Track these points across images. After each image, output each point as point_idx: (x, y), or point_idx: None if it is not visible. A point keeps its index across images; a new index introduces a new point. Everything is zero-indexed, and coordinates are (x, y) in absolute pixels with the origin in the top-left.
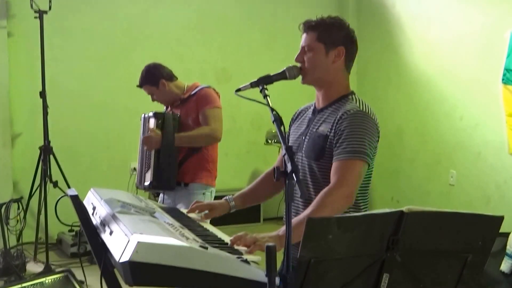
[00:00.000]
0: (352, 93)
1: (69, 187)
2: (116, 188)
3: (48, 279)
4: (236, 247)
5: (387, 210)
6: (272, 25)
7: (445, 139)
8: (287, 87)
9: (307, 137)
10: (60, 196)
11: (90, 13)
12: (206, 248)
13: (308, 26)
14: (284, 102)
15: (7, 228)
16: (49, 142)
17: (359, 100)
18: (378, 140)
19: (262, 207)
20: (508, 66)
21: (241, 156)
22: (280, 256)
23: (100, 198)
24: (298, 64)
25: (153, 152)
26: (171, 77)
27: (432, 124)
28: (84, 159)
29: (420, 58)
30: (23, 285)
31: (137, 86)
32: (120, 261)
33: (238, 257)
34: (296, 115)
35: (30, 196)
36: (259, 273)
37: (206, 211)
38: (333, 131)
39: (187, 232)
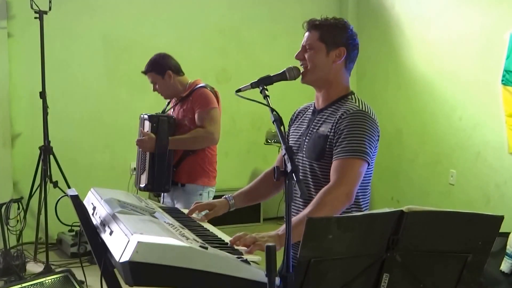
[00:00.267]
0: (352, 93)
1: (69, 187)
2: (116, 188)
3: (48, 279)
4: (236, 247)
5: (387, 209)
6: (271, 25)
7: (444, 139)
8: (287, 87)
9: (308, 137)
10: (60, 196)
11: (90, 13)
12: (206, 248)
13: (312, 25)
14: (284, 103)
15: (7, 228)
16: (49, 142)
17: (359, 100)
18: (378, 140)
19: (262, 207)
20: (508, 67)
21: (241, 156)
22: (280, 256)
23: (100, 198)
24: (299, 63)
25: (147, 155)
26: (178, 71)
27: (431, 125)
28: (84, 159)
29: (419, 59)
30: (23, 285)
31: (142, 72)
32: (120, 261)
33: (238, 257)
34: (295, 115)
35: (30, 196)
36: (259, 273)
37: (206, 211)
38: (333, 130)
39: (187, 232)
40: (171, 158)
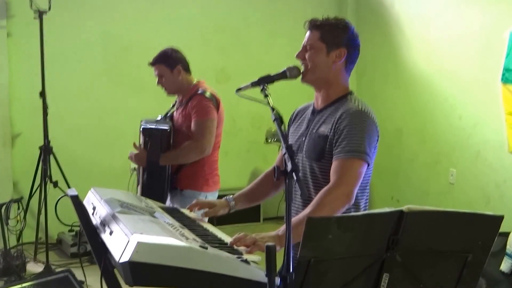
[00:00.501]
0: (351, 93)
1: (69, 187)
2: (116, 188)
3: (48, 279)
4: (236, 247)
5: (387, 209)
6: (271, 25)
7: (444, 138)
8: (287, 86)
9: (307, 138)
10: (60, 196)
11: (89, 13)
12: (206, 248)
13: (313, 25)
14: (284, 102)
15: (7, 228)
16: (49, 142)
17: (358, 100)
18: (377, 140)
19: (262, 207)
20: (507, 65)
21: (241, 156)
22: (280, 256)
23: (100, 198)
24: (300, 62)
25: (141, 169)
26: (187, 68)
27: (431, 124)
28: (84, 159)
29: (419, 58)
30: (23, 285)
31: (149, 63)
32: (120, 261)
33: (238, 257)
34: (294, 115)
35: (30, 196)
36: (259, 273)
37: (206, 209)
38: (332, 131)
39: (187, 232)
40: (163, 172)
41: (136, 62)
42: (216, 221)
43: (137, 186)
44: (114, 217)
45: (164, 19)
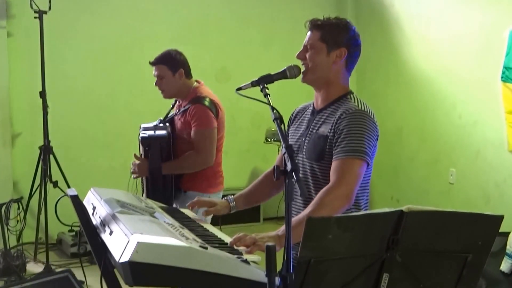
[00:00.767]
0: (351, 92)
1: (69, 187)
2: (116, 188)
3: (48, 279)
4: (235, 247)
5: (386, 209)
6: (271, 24)
7: (444, 137)
8: (287, 86)
9: (307, 138)
10: (60, 196)
11: (89, 13)
12: (206, 248)
13: (314, 25)
14: (284, 101)
15: (7, 228)
16: (49, 142)
17: (357, 100)
18: (377, 140)
19: (262, 207)
20: (507, 64)
21: (241, 155)
22: (280, 256)
23: (100, 198)
24: (300, 62)
25: (144, 178)
26: (188, 73)
27: (431, 123)
28: (84, 159)
29: (419, 57)
30: (23, 285)
31: (150, 62)
32: (120, 261)
33: (238, 257)
34: (293, 115)
35: (30, 196)
36: (259, 273)
37: (206, 208)
38: (332, 131)
39: (187, 232)
40: (167, 180)
41: (136, 62)
42: (216, 221)
43: (142, 194)
44: (114, 217)
45: (164, 19)
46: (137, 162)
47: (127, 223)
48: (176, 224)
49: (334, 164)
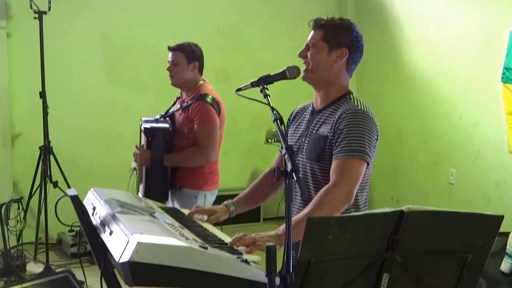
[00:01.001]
0: (350, 92)
1: (69, 187)
2: (116, 188)
3: (48, 279)
4: (235, 247)
5: (387, 209)
6: (271, 24)
7: (444, 138)
8: (287, 86)
9: (307, 138)
10: (60, 196)
11: (89, 14)
12: (206, 248)
13: (317, 24)
14: (284, 101)
15: (7, 228)
16: (49, 142)
17: (357, 100)
18: (377, 140)
19: (262, 207)
20: (507, 65)
21: (241, 155)
22: (280, 256)
23: (100, 198)
24: (302, 61)
25: (144, 168)
26: (201, 68)
27: (431, 123)
28: (84, 159)
29: (419, 58)
30: (23, 285)
31: (168, 47)
32: (120, 261)
33: (238, 257)
34: (293, 115)
35: (30, 196)
36: (259, 273)
37: (205, 217)
38: (332, 131)
39: (187, 232)
40: (167, 172)
41: (136, 62)
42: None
43: (139, 184)
44: (114, 217)
45: (164, 19)
46: (138, 152)
47: (127, 223)
48: (176, 224)
49: (334, 164)
